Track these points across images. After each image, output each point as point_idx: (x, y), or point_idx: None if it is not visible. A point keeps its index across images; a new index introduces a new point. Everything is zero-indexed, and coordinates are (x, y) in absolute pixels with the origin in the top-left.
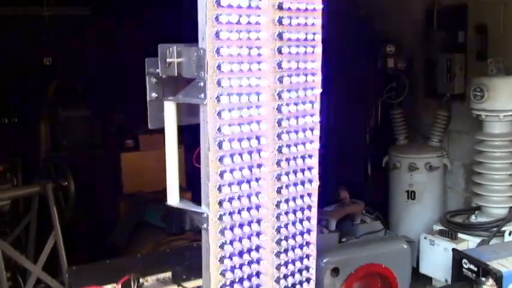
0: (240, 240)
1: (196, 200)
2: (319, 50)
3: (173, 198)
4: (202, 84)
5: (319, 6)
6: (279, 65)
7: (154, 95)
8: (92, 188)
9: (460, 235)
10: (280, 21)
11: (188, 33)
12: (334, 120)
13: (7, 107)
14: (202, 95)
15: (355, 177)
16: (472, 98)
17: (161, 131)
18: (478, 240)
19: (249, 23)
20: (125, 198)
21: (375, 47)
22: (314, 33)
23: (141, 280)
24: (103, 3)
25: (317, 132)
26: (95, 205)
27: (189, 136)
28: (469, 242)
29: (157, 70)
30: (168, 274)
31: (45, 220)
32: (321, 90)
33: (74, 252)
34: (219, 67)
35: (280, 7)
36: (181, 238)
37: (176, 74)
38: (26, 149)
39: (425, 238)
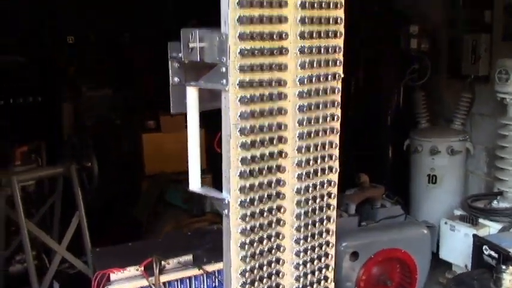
0: (261, 226)
1: (217, 180)
2: (341, 30)
3: (195, 183)
4: (224, 69)
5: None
6: (302, 51)
7: (176, 79)
8: (114, 168)
9: (481, 220)
10: (303, 5)
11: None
12: (355, 103)
13: (31, 85)
14: (224, 81)
15: (375, 160)
16: (496, 80)
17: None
18: (499, 226)
19: (271, 6)
20: (146, 178)
21: (398, 27)
22: (337, 17)
23: (162, 263)
24: None
25: (339, 120)
26: (117, 185)
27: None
28: (490, 228)
29: (180, 54)
30: (189, 257)
31: (69, 200)
32: (342, 76)
33: (96, 231)
34: (241, 52)
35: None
36: (202, 219)
37: (198, 59)
38: (49, 129)
39: (445, 223)
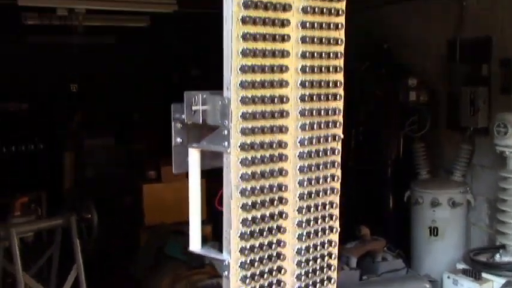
0: None
1: (217, 231)
2: (341, 93)
3: (195, 244)
4: (226, 132)
5: (341, 49)
6: (302, 113)
7: (179, 140)
8: (114, 219)
9: (484, 275)
10: (304, 70)
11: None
12: (355, 154)
13: (33, 133)
14: (226, 143)
15: (376, 212)
16: (495, 133)
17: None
18: (502, 280)
19: (272, 71)
20: (146, 229)
21: (397, 80)
22: (337, 81)
23: None
24: (128, 33)
25: (339, 181)
26: (116, 235)
27: None
28: (493, 283)
29: (183, 116)
30: None
31: (68, 251)
32: (342, 137)
33: (95, 284)
34: (243, 116)
35: (303, 55)
36: (202, 272)
37: (201, 122)
38: (50, 177)
39: (448, 277)
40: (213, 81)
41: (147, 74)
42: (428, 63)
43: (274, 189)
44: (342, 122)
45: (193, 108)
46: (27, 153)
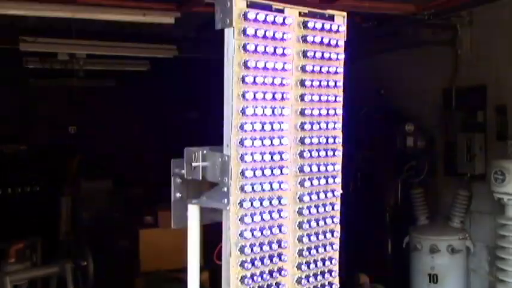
0: None
1: (215, 277)
2: (339, 148)
3: None
4: (225, 189)
5: (340, 106)
6: (301, 169)
7: (178, 195)
8: (110, 266)
9: None
10: (302, 127)
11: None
12: (354, 200)
13: (31, 175)
14: (226, 200)
15: (375, 258)
16: (493, 180)
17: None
18: None
19: (272, 128)
20: (141, 276)
21: (394, 125)
22: (335, 137)
23: None
24: (127, 76)
25: (338, 236)
26: (112, 282)
27: None
28: None
29: (183, 171)
30: None
31: None
32: (341, 192)
33: None
34: (242, 173)
35: (302, 113)
36: None
37: (201, 178)
38: (47, 222)
39: None
40: (211, 124)
41: (146, 116)
42: (425, 109)
43: (273, 245)
44: (341, 177)
45: (193, 164)
46: (23, 196)
